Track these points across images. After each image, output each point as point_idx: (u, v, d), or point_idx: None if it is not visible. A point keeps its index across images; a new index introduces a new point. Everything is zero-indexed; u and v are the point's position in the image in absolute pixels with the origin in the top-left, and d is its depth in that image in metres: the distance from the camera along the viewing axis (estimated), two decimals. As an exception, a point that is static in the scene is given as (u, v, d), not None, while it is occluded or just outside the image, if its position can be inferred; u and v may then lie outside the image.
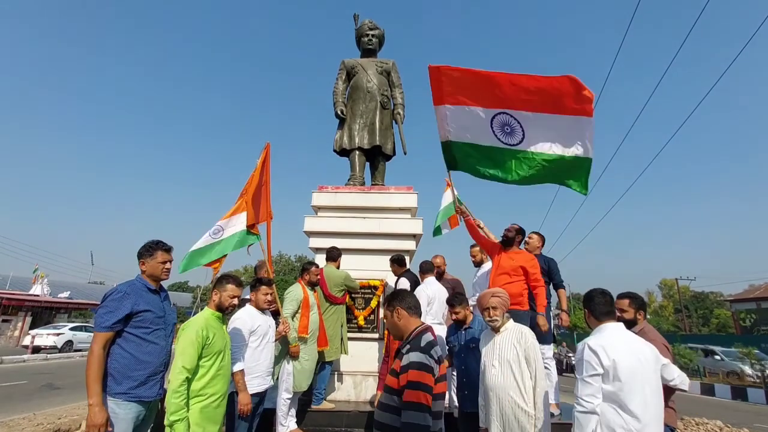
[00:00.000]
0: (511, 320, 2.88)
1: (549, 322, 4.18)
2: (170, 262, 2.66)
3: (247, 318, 3.21)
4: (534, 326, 3.71)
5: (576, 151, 3.42)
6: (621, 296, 2.93)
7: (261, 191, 4.30)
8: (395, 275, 4.80)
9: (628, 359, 2.10)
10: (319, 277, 4.25)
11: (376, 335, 5.04)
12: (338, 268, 4.78)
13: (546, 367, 4.19)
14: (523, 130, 3.59)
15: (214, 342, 2.53)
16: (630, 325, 2.74)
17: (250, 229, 4.09)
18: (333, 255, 4.77)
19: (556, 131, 3.46)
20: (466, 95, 3.70)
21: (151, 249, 2.60)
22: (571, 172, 3.57)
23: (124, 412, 2.28)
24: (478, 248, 4.84)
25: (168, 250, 2.66)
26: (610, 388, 2.08)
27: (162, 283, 2.66)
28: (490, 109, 3.64)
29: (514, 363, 2.62)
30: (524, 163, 3.69)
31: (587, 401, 2.09)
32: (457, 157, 4.09)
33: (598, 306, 2.34)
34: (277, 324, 3.70)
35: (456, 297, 3.48)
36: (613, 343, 2.15)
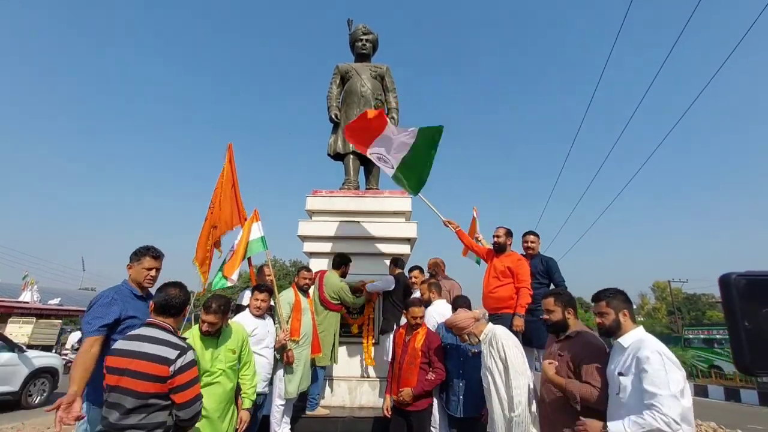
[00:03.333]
0: (489, 324, 2.87)
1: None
2: (157, 270, 2.56)
3: (243, 324, 3.18)
4: (509, 327, 3.67)
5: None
6: (544, 297, 2.59)
7: (233, 193, 4.30)
8: (391, 275, 4.80)
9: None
10: (307, 281, 4.22)
11: (372, 340, 5.00)
12: (343, 276, 4.74)
13: None
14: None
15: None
16: (560, 328, 2.44)
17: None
18: (336, 263, 4.77)
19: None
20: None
21: (139, 254, 2.53)
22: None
23: None
24: (426, 286, 4.06)
25: (157, 257, 2.56)
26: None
27: (150, 290, 2.57)
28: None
29: (493, 367, 2.64)
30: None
31: (680, 426, 1.69)
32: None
33: (630, 305, 2.07)
34: (278, 331, 3.68)
35: (464, 299, 3.48)
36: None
